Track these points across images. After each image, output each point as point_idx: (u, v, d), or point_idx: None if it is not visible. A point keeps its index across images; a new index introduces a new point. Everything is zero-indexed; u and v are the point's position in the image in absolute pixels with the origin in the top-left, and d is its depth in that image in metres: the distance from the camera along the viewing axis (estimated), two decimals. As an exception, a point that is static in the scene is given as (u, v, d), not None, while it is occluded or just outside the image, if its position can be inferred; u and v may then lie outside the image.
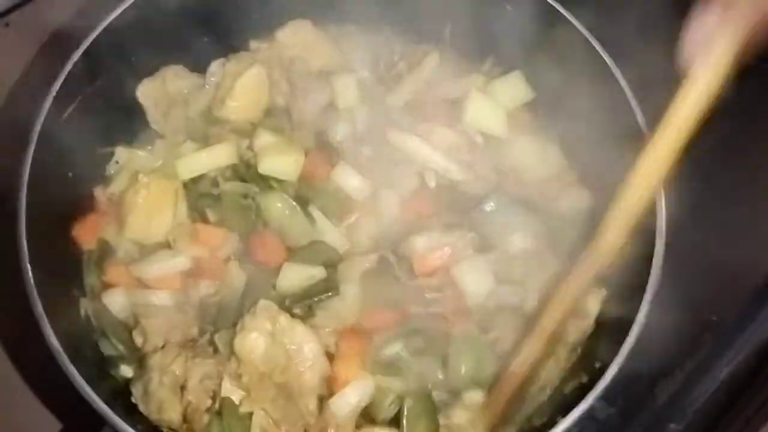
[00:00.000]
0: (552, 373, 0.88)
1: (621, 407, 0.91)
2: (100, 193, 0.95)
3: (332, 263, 0.91)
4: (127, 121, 0.99)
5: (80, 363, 0.80)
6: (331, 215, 0.93)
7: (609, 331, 0.86)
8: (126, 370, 0.89)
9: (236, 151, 0.96)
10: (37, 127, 0.86)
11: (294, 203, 0.92)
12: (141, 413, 0.85)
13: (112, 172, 0.97)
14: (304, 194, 0.94)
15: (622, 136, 0.87)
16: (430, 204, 0.95)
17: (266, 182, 0.94)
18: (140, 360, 0.87)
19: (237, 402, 0.84)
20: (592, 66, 0.90)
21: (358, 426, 0.85)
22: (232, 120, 0.98)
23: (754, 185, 0.98)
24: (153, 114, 1.00)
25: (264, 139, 0.96)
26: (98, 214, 0.94)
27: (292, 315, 0.86)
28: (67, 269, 0.92)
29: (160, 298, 0.90)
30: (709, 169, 0.91)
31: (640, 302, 0.82)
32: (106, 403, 0.79)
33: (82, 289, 0.92)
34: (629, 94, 0.88)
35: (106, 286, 0.91)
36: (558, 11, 0.92)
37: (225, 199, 0.94)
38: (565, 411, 0.79)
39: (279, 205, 0.92)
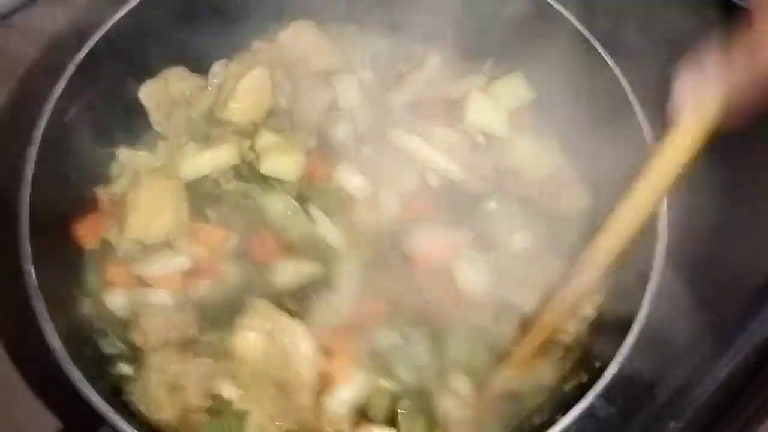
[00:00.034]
0: (547, 374, 0.88)
1: (621, 406, 0.91)
2: (101, 193, 0.96)
3: (328, 259, 0.91)
4: (129, 122, 0.99)
5: (80, 363, 0.80)
6: (331, 214, 0.93)
7: (609, 330, 0.86)
8: (126, 369, 0.89)
9: (238, 152, 0.96)
10: (40, 129, 0.86)
11: (295, 203, 0.93)
12: (140, 412, 0.85)
13: (114, 172, 0.98)
14: (305, 194, 0.94)
15: (622, 136, 0.87)
16: (431, 203, 0.95)
17: (267, 182, 0.94)
18: (138, 359, 0.88)
19: (234, 400, 0.84)
20: (593, 66, 0.90)
21: (356, 425, 0.85)
22: (234, 121, 0.98)
23: (754, 185, 0.98)
24: (155, 115, 1.00)
25: (265, 139, 0.96)
26: (100, 214, 0.94)
27: (289, 312, 0.86)
28: (69, 269, 0.92)
29: (160, 297, 0.90)
30: (709, 169, 0.91)
31: (641, 301, 0.82)
32: (106, 402, 0.78)
33: (82, 289, 0.92)
34: (630, 94, 0.88)
35: (107, 285, 0.92)
36: (559, 11, 0.92)
37: (226, 198, 0.94)
38: (565, 409, 0.79)
39: (280, 205, 0.93)
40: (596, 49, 0.90)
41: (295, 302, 0.89)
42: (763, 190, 0.96)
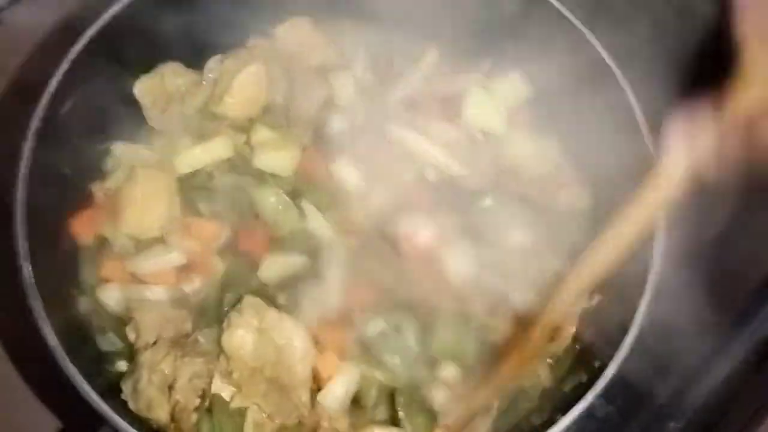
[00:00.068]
0: (545, 374, 0.89)
1: (620, 406, 0.92)
2: (97, 188, 0.95)
3: (317, 252, 0.91)
4: (124, 118, 0.98)
5: (79, 362, 0.80)
6: (324, 209, 0.93)
7: (609, 330, 0.86)
8: (124, 367, 0.89)
9: (233, 146, 0.96)
10: (34, 126, 0.85)
11: (287, 198, 0.92)
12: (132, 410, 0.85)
13: (109, 167, 0.97)
14: (298, 189, 0.94)
15: (621, 134, 0.87)
16: (428, 198, 0.95)
17: (261, 176, 0.94)
18: (132, 356, 0.88)
19: (228, 398, 0.84)
20: (592, 64, 0.90)
21: (356, 426, 0.86)
22: (229, 116, 0.98)
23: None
24: (150, 110, 0.99)
25: (261, 134, 0.96)
26: (95, 210, 0.94)
27: (277, 305, 0.86)
28: (65, 267, 0.92)
29: (155, 293, 0.90)
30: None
31: (640, 301, 0.82)
32: (106, 402, 0.78)
33: (79, 287, 0.92)
34: (629, 92, 0.88)
35: (102, 281, 0.91)
36: (559, 11, 0.92)
37: (218, 191, 0.94)
38: (565, 409, 0.79)
39: (272, 199, 0.93)
40: (596, 47, 0.90)
41: (284, 294, 0.89)
42: (763, 190, 0.96)
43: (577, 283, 0.78)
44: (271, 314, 0.85)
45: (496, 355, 0.86)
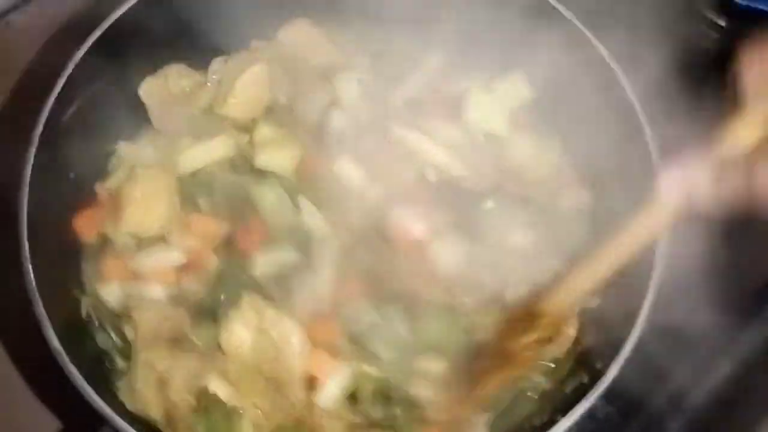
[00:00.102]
0: (543, 377, 0.88)
1: (620, 406, 0.91)
2: (99, 187, 0.96)
3: (309, 245, 0.91)
4: (128, 119, 0.99)
5: (80, 362, 0.80)
6: (324, 208, 0.93)
7: (610, 331, 0.86)
8: (123, 366, 0.89)
9: (234, 145, 0.96)
10: (39, 129, 0.86)
11: (287, 196, 0.93)
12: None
13: (112, 168, 0.98)
14: (298, 186, 0.94)
15: (623, 135, 0.87)
16: (428, 197, 0.95)
17: (262, 175, 0.94)
18: (128, 354, 0.88)
19: (224, 398, 0.84)
20: (594, 66, 0.90)
21: (353, 427, 0.85)
22: (233, 117, 0.98)
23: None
24: (155, 112, 0.99)
25: (263, 133, 0.96)
26: (97, 208, 0.95)
27: (272, 301, 0.86)
28: (68, 269, 0.92)
29: (154, 291, 0.90)
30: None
31: (641, 302, 0.81)
32: (106, 402, 0.78)
33: (81, 288, 0.92)
34: (631, 94, 0.88)
35: (103, 279, 0.92)
36: (560, 12, 0.92)
37: (217, 188, 0.94)
38: (566, 410, 0.79)
39: (271, 195, 0.93)
40: (598, 49, 0.90)
41: (278, 288, 0.89)
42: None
43: (574, 287, 0.78)
44: (270, 312, 0.85)
45: (482, 354, 0.86)
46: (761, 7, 1.02)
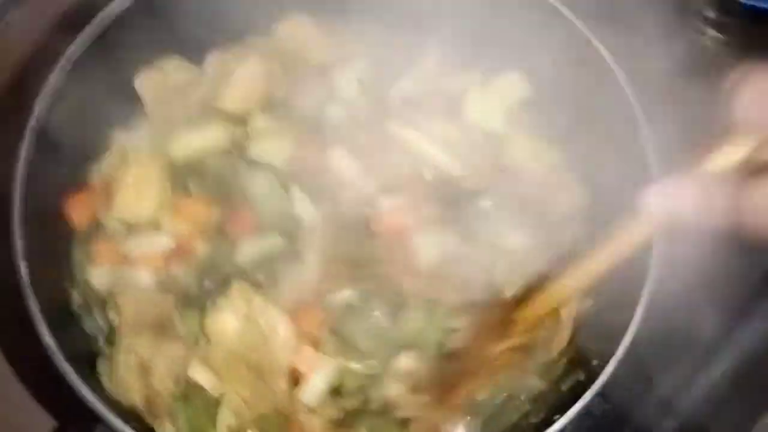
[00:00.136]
0: (536, 379, 0.89)
1: (617, 403, 0.92)
2: (92, 174, 0.95)
3: (295, 233, 0.91)
4: (123, 110, 0.98)
5: (75, 361, 0.80)
6: (316, 200, 0.93)
7: (607, 328, 0.86)
8: (108, 350, 0.89)
9: (229, 136, 0.96)
10: (32, 125, 0.85)
11: (279, 185, 0.92)
12: (137, 412, 0.85)
13: (106, 159, 0.97)
14: (291, 176, 0.94)
15: (621, 134, 0.87)
16: (421, 194, 0.94)
17: (255, 164, 0.94)
18: (113, 340, 0.88)
19: (207, 386, 0.84)
20: (593, 65, 0.90)
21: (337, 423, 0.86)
22: (229, 110, 0.98)
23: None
24: (151, 104, 0.99)
25: (258, 125, 0.96)
26: (89, 197, 0.94)
27: (258, 288, 0.86)
28: (61, 264, 0.91)
29: (143, 276, 0.90)
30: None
31: (638, 298, 0.82)
32: (102, 401, 0.78)
33: (72, 278, 0.92)
34: (630, 93, 0.87)
35: (93, 264, 0.92)
36: (559, 10, 0.91)
37: (209, 174, 0.94)
38: (563, 409, 0.79)
39: (264, 185, 0.93)
40: (596, 47, 0.90)
41: (264, 275, 0.89)
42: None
43: (554, 294, 0.76)
44: (258, 300, 0.85)
45: (457, 358, 0.86)
46: (765, 6, 1.02)
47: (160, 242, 0.91)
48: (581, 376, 0.86)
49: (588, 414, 0.88)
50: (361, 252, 0.90)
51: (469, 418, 0.88)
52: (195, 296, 0.89)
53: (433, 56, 1.01)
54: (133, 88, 0.98)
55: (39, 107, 0.86)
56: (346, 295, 0.88)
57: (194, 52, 1.01)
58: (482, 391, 0.87)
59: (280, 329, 0.85)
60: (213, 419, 0.84)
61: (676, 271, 0.83)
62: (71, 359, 0.79)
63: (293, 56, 1.01)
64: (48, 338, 0.79)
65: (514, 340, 0.79)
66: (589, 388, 0.80)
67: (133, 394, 0.84)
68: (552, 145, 0.99)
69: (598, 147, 0.91)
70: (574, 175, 0.98)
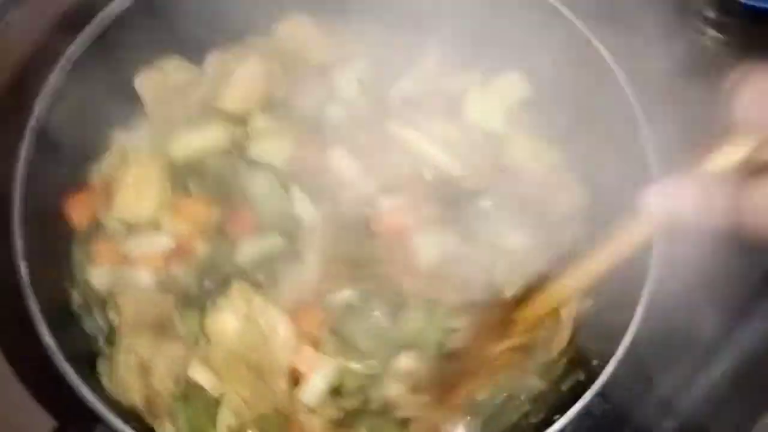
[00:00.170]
0: (534, 380, 0.89)
1: (617, 403, 0.92)
2: (92, 174, 0.96)
3: (296, 233, 0.91)
4: (123, 110, 0.98)
5: (75, 361, 0.80)
6: (316, 200, 0.93)
7: (607, 328, 0.86)
8: (108, 350, 0.89)
9: (230, 136, 0.96)
10: (32, 125, 0.85)
11: (279, 185, 0.93)
12: (137, 412, 0.85)
13: (106, 159, 0.97)
14: (291, 176, 0.94)
15: (622, 135, 0.87)
16: (422, 194, 0.94)
17: (255, 164, 0.94)
18: (113, 340, 0.88)
19: (207, 386, 0.84)
20: (593, 65, 0.90)
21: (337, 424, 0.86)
22: (229, 110, 0.98)
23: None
24: (151, 104, 0.99)
25: (258, 125, 0.96)
26: (90, 197, 0.94)
27: (258, 288, 0.86)
28: (61, 265, 0.91)
29: (143, 276, 0.91)
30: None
31: (639, 298, 0.82)
32: (102, 401, 0.78)
33: (72, 278, 0.92)
34: (630, 94, 0.87)
35: (94, 263, 0.92)
36: (559, 10, 0.91)
37: (209, 174, 0.94)
38: (563, 409, 0.79)
39: (264, 185, 0.93)
40: (596, 47, 0.90)
41: (264, 275, 0.89)
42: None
43: (552, 295, 0.76)
44: (258, 300, 0.85)
45: (457, 358, 0.86)
46: (767, 6, 1.02)
47: (160, 242, 0.91)
48: (581, 376, 0.86)
49: (588, 414, 0.88)
50: (361, 252, 0.91)
51: (469, 418, 0.88)
52: (195, 296, 0.89)
53: (433, 56, 1.01)
54: (133, 88, 0.98)
55: (39, 107, 0.86)
56: (346, 295, 0.88)
57: (194, 52, 1.00)
58: (482, 391, 0.87)
59: (280, 329, 0.85)
60: (213, 419, 0.84)
61: (677, 271, 0.83)
62: (71, 359, 0.79)
63: (293, 56, 1.01)
64: (48, 338, 0.79)
65: (513, 340, 0.79)
66: (589, 388, 0.80)
67: (133, 394, 0.84)
68: (552, 145, 0.99)
69: (598, 147, 0.91)
70: (574, 175, 0.98)
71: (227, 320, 0.85)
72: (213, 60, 1.01)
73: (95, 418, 0.78)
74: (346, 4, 1.01)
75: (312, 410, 0.85)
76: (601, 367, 0.80)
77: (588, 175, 0.96)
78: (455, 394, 0.84)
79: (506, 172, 0.97)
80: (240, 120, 0.97)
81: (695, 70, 0.92)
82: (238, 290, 0.86)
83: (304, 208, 0.92)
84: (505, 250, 0.92)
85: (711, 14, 1.06)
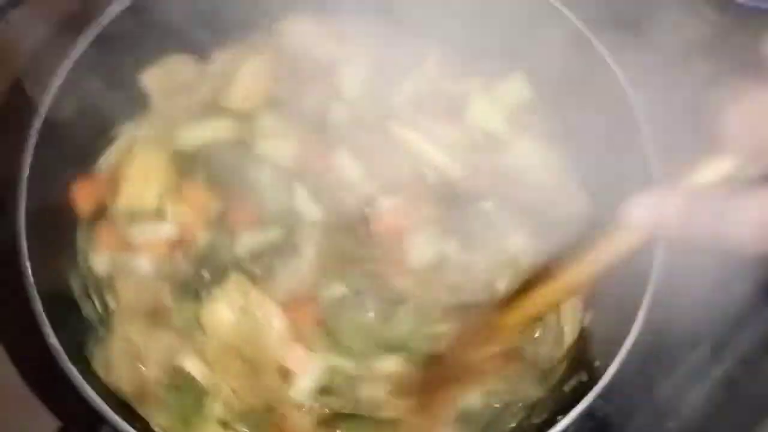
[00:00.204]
0: (532, 386, 0.89)
1: (618, 405, 0.92)
2: (97, 165, 0.96)
3: (295, 229, 0.92)
4: (126, 112, 0.98)
5: (80, 361, 0.80)
6: (318, 198, 0.94)
7: (609, 329, 0.86)
8: (103, 336, 0.89)
9: (234, 129, 0.96)
10: (37, 125, 0.85)
11: (282, 182, 0.93)
12: (138, 412, 0.85)
13: (113, 149, 0.98)
14: (295, 174, 0.94)
15: (623, 139, 0.87)
16: (421, 195, 0.95)
17: (260, 161, 0.95)
18: (107, 325, 0.88)
19: (198, 376, 0.85)
20: (596, 68, 0.89)
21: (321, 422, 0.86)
22: (233, 107, 0.98)
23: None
24: (156, 102, 0.99)
25: (263, 123, 0.97)
26: (96, 182, 0.95)
27: (255, 280, 0.87)
28: (66, 262, 0.92)
29: (144, 263, 0.91)
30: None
31: (640, 301, 0.82)
32: (106, 401, 0.79)
33: (76, 271, 0.92)
34: (632, 98, 0.87)
35: (97, 249, 0.92)
36: (559, 10, 0.91)
37: (214, 165, 0.95)
38: (565, 410, 0.79)
39: (267, 180, 0.93)
40: (599, 52, 0.89)
41: (261, 268, 0.89)
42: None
43: (536, 302, 0.76)
44: (255, 293, 0.86)
45: (441, 363, 0.86)
46: (764, 6, 1.02)
47: (164, 229, 0.92)
48: (584, 377, 0.86)
49: (590, 416, 0.88)
50: (357, 250, 0.91)
51: (459, 426, 0.87)
52: (192, 286, 0.89)
53: (435, 57, 1.02)
54: (137, 87, 0.98)
55: (42, 108, 0.86)
56: (338, 291, 0.89)
57: (197, 51, 1.01)
58: (469, 398, 0.86)
59: (275, 323, 0.85)
60: (203, 410, 0.84)
61: (678, 275, 0.83)
62: (75, 359, 0.79)
63: (296, 56, 1.02)
64: (52, 339, 0.79)
65: (498, 346, 0.79)
66: (592, 389, 0.80)
67: (125, 383, 0.84)
68: (552, 147, 0.99)
69: (598, 148, 0.90)
70: (574, 177, 0.98)
71: (223, 312, 0.85)
72: (216, 58, 1.01)
73: (100, 419, 0.78)
74: (347, 5, 1.01)
75: (301, 406, 0.86)
76: (604, 368, 0.80)
77: (588, 176, 0.96)
78: (439, 399, 0.84)
79: (506, 174, 0.97)
80: (245, 118, 0.98)
81: (696, 71, 0.92)
82: (235, 282, 0.86)
83: (305, 204, 0.93)
84: (504, 251, 0.92)
85: (711, 14, 1.06)
